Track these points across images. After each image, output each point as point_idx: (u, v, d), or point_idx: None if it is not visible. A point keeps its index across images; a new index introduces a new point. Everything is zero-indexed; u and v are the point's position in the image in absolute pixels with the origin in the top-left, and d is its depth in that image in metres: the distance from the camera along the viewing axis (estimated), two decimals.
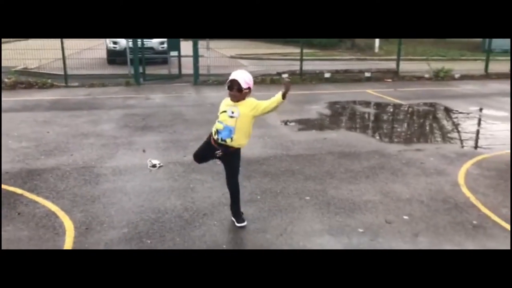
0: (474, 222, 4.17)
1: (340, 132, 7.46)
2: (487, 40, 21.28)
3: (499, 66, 14.22)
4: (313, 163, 5.79)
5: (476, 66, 14.39)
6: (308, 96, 10.65)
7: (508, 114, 8.74)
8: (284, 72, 12.75)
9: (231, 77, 3.79)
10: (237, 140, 3.90)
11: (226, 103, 3.93)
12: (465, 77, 13.23)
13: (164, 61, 14.74)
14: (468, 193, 4.81)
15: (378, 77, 12.94)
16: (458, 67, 13.74)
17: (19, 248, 3.68)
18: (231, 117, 3.83)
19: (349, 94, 10.88)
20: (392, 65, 13.75)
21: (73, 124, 7.74)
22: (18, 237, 3.89)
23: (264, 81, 12.50)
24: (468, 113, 8.93)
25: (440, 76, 12.98)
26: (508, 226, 4.08)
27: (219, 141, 3.92)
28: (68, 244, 3.78)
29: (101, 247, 3.74)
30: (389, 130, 7.87)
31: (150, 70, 12.97)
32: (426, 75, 13.08)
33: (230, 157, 4.02)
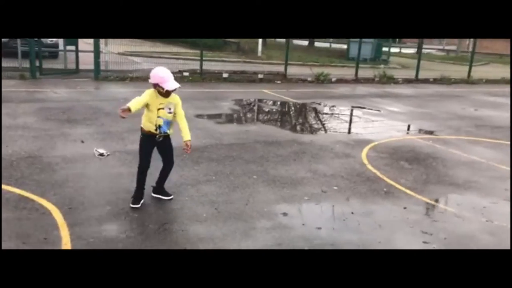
0: (385, 189, 5.47)
1: (257, 125, 8.46)
2: (351, 49, 24.41)
3: (362, 72, 16.52)
4: (247, 150, 6.66)
5: (345, 72, 16.60)
6: (215, 94, 11.47)
7: (382, 112, 10.65)
8: (185, 71, 13.35)
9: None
10: (172, 129, 4.61)
11: (160, 100, 4.34)
12: (340, 81, 15.29)
13: (52, 55, 14.30)
14: (373, 170, 6.14)
15: (269, 78, 14.30)
16: (332, 72, 15.76)
17: (9, 228, 3.91)
18: (170, 113, 4.44)
19: (250, 93, 11.97)
20: (277, 68, 15.25)
21: None
22: (4, 218, 4.06)
23: None
24: (352, 110, 10.63)
25: (321, 80, 14.83)
26: (408, 191, 5.45)
27: (161, 133, 4.46)
28: (61, 221, 4.10)
29: (94, 222, 4.14)
30: (296, 123, 9.10)
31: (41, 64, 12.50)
32: (309, 78, 14.82)
33: (169, 141, 4.62)
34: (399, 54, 30.86)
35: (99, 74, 12.32)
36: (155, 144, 4.57)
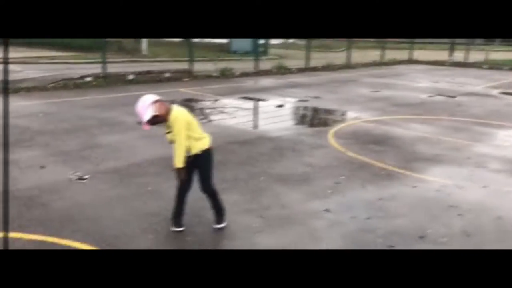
0: (382, 172, 5.78)
1: (212, 126, 8.14)
2: (233, 43, 24.80)
3: (248, 64, 16.53)
4: (228, 153, 6.40)
5: (236, 65, 16.48)
6: (134, 97, 10.61)
7: (309, 101, 11.10)
8: (88, 76, 12.16)
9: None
10: (196, 149, 4.00)
11: (166, 126, 4.00)
12: (243, 75, 15.44)
13: None
14: (356, 155, 6.42)
15: (176, 77, 13.80)
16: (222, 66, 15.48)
17: None
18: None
19: (169, 93, 11.39)
20: (166, 66, 14.69)
21: None
22: None
23: (67, 86, 11.66)
24: (284, 102, 10.85)
25: (225, 74, 14.80)
26: (401, 170, 5.83)
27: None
28: None
29: None
30: (246, 120, 8.95)
31: None
32: (214, 74, 14.69)
33: (200, 160, 4.04)
34: (268, 46, 32.20)
35: None
36: (190, 165, 4.02)
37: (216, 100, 10.86)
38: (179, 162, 3.89)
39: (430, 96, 12.14)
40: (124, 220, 4.23)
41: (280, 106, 10.40)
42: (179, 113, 3.95)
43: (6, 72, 2.45)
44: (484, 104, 10.99)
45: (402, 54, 23.40)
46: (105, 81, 12.35)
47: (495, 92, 13.32)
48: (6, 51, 2.34)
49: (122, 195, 4.80)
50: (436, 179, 5.57)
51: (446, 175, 5.72)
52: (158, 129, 7.63)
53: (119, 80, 12.64)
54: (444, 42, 26.44)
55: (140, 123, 3.94)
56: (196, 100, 10.77)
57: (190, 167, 4.01)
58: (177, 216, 4.10)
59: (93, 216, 4.27)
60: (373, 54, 22.54)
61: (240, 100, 10.96)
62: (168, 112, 3.92)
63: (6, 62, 2.45)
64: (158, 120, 3.91)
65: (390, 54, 22.67)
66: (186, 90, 11.97)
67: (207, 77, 14.45)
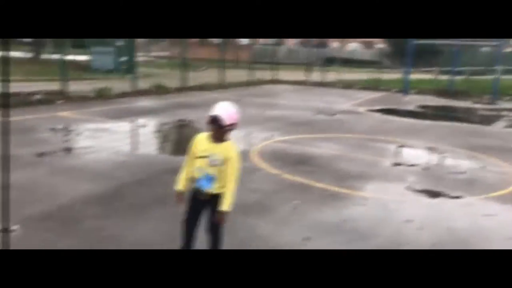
0: (326, 193, 5.93)
1: (122, 154, 7.40)
2: (95, 61, 23.14)
3: (116, 84, 15.54)
4: (161, 185, 5.85)
5: (101, 85, 15.23)
6: (18, 124, 9.14)
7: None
8: None
9: (213, 112, 3.30)
10: (220, 189, 3.42)
11: (205, 146, 3.38)
12: (121, 95, 14.48)
13: None
14: (293, 178, 6.48)
15: (49, 99, 12.30)
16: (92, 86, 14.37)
17: None
18: (214, 165, 3.36)
19: (48, 119, 10.05)
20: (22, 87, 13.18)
21: None
22: None
23: None
24: (181, 124, 10.44)
25: (103, 95, 13.72)
26: (342, 190, 6.07)
27: (199, 189, 3.45)
28: None
29: None
30: (157, 146, 8.35)
31: None
32: (91, 94, 13.49)
33: (216, 203, 3.42)
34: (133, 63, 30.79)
35: None
36: (200, 205, 3.48)
37: (111, 125, 9.92)
38: (230, 205, 3.40)
39: (314, 115, 12.98)
40: None
41: (182, 127, 10.04)
42: (236, 151, 3.45)
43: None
44: (363, 122, 12.16)
45: (264, 74, 24.54)
46: None
47: (362, 109, 14.83)
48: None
49: (79, 246, 4.04)
50: (376, 196, 5.94)
51: (381, 191, 6.15)
52: (62, 161, 6.72)
53: None
54: (301, 63, 28.78)
55: (213, 119, 3.32)
56: (88, 126, 9.72)
57: (201, 208, 3.53)
58: None
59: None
60: (234, 74, 22.93)
61: (133, 123, 10.26)
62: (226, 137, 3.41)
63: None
64: (222, 132, 3.35)
65: (253, 74, 23.59)
66: (67, 114, 10.74)
67: (83, 98, 13.22)
